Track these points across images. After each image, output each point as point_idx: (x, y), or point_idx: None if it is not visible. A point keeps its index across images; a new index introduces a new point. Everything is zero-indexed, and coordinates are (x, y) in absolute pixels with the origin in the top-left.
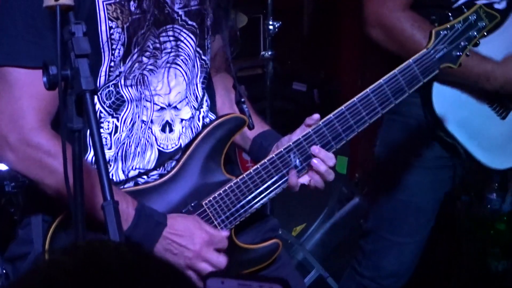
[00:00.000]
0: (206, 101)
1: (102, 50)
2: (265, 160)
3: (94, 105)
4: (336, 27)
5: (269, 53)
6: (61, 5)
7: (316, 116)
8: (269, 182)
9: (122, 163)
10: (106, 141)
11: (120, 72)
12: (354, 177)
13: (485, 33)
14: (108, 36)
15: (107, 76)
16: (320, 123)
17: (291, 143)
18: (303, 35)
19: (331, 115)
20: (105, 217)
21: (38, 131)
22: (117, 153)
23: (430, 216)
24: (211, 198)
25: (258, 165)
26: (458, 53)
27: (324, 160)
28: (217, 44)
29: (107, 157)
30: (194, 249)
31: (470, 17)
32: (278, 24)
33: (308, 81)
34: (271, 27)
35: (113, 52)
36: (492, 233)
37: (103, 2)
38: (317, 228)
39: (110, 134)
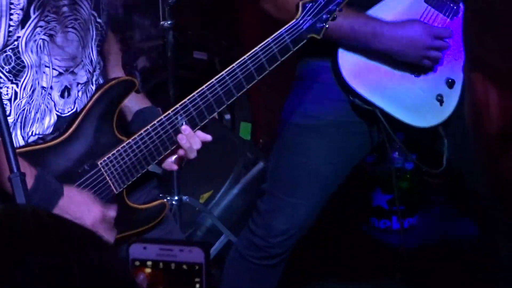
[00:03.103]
0: (99, 63)
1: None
2: (155, 122)
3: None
4: None
5: (169, 22)
6: None
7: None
8: (158, 143)
9: (21, 129)
10: (5, 107)
11: (18, 37)
12: (258, 142)
13: (341, 9)
14: (8, 1)
15: (5, 40)
16: (204, 87)
17: (178, 106)
18: (203, 3)
19: (213, 79)
20: (12, 189)
21: None
22: (17, 119)
23: (329, 182)
24: (105, 158)
25: (148, 126)
26: (321, 25)
27: (189, 140)
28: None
29: None
30: (88, 223)
31: None
32: None
33: (209, 49)
34: None
35: (11, 17)
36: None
37: None
38: (224, 194)
39: (9, 100)
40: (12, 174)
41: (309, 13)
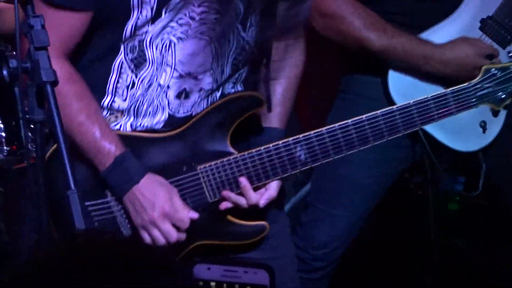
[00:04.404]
0: (236, 76)
1: (131, 6)
2: (270, 145)
3: (55, 96)
4: None
5: None
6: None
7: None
8: (268, 167)
9: (133, 118)
10: (123, 93)
11: (146, 31)
12: None
13: None
14: None
15: (133, 30)
16: (336, 125)
17: (300, 136)
18: None
19: (349, 121)
20: (70, 206)
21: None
22: (130, 107)
23: (370, 194)
24: (206, 166)
25: (262, 148)
26: (504, 96)
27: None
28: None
29: (121, 107)
30: (151, 214)
31: None
32: None
33: None
34: None
35: (141, 11)
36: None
37: None
38: None
39: (127, 87)
40: (69, 190)
41: (491, 79)
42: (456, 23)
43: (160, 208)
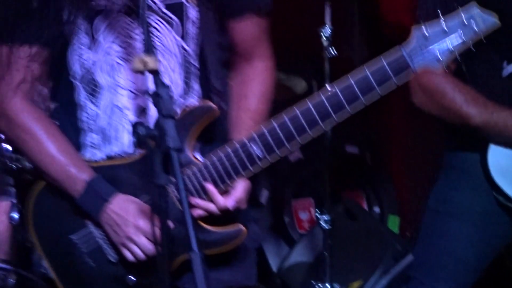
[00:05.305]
0: (191, 88)
1: (66, 34)
2: (227, 147)
3: (180, 162)
4: None
5: None
6: (149, 70)
7: None
8: (229, 169)
9: (105, 147)
10: (92, 126)
11: (92, 60)
12: (406, 235)
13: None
14: (71, 23)
15: (80, 62)
16: (284, 116)
17: (253, 133)
18: None
19: (295, 109)
20: (192, 267)
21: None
22: (100, 138)
23: (472, 269)
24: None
25: (219, 152)
26: (440, 57)
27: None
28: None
29: (94, 140)
30: (126, 230)
31: (463, 15)
32: None
33: (360, 143)
34: None
35: (79, 39)
36: None
37: None
38: (373, 284)
39: (93, 119)
40: (192, 252)
41: (424, 40)
42: None
43: (133, 223)
